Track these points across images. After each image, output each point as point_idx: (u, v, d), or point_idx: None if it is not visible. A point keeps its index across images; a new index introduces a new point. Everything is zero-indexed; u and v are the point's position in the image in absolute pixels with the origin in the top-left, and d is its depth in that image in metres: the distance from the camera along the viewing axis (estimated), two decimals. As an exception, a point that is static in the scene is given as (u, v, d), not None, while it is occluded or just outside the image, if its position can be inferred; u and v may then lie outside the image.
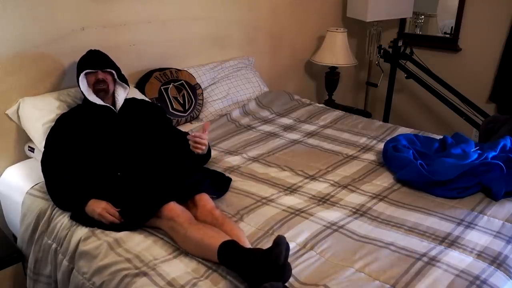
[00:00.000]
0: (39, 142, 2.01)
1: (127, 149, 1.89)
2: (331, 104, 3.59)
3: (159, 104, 2.34)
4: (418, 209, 1.78)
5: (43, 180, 1.83)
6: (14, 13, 1.98)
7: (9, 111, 2.07)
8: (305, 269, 1.43)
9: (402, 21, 3.85)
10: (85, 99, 1.94)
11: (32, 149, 2.12)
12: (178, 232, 1.54)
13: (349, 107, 3.70)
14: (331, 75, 3.61)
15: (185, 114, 2.54)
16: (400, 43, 3.35)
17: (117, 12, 2.36)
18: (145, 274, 1.42)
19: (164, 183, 1.77)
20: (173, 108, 2.48)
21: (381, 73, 3.67)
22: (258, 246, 1.53)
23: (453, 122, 3.62)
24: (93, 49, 2.01)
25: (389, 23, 3.85)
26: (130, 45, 2.46)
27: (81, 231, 1.66)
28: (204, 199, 1.71)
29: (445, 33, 3.67)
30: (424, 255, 1.49)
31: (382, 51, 3.44)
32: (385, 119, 3.57)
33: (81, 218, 1.70)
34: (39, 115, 2.03)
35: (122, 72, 2.03)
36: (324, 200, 1.85)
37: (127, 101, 2.03)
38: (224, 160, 2.19)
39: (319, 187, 1.95)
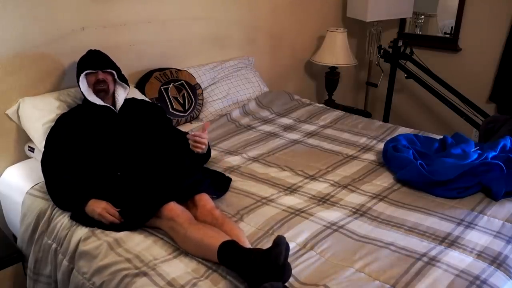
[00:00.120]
0: (39, 142, 2.01)
1: (127, 149, 1.89)
2: (331, 104, 3.59)
3: (159, 104, 2.34)
4: (418, 209, 1.78)
5: (43, 180, 1.83)
6: (14, 13, 1.98)
7: (9, 111, 2.07)
8: (305, 269, 1.43)
9: (402, 21, 3.85)
10: (85, 99, 1.94)
11: (32, 149, 2.12)
12: (178, 232, 1.54)
13: (349, 107, 3.70)
14: (331, 75, 3.61)
15: (185, 114, 2.54)
16: (400, 43, 3.35)
17: (117, 12, 2.36)
18: (145, 274, 1.42)
19: (164, 183, 1.77)
20: (173, 108, 2.48)
21: (381, 73, 3.67)
22: (258, 246, 1.53)
23: (453, 122, 3.62)
24: (93, 49, 2.01)
25: (389, 23, 3.85)
26: (130, 45, 2.46)
27: (81, 231, 1.66)
28: (204, 199, 1.71)
29: (445, 33, 3.67)
30: (424, 255, 1.49)
31: (382, 51, 3.44)
32: (385, 119, 3.57)
33: (81, 218, 1.70)
34: (39, 115, 2.03)
35: (122, 72, 2.03)
36: (324, 200, 1.85)
37: (127, 101, 2.03)
38: (224, 160, 2.19)
39: (319, 187, 1.95)
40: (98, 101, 1.93)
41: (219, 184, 1.90)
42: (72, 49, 2.18)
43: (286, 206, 1.79)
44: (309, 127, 2.62)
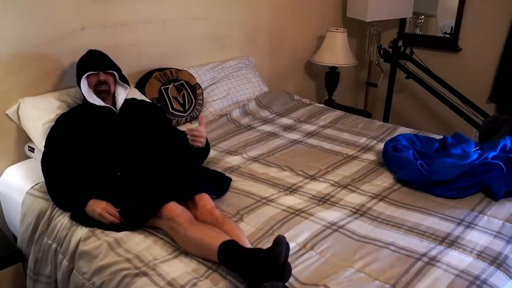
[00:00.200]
0: (39, 142, 2.01)
1: (127, 149, 1.89)
2: (331, 104, 3.59)
3: (158, 104, 2.34)
4: (418, 209, 1.78)
5: (43, 180, 1.83)
6: (14, 13, 1.98)
7: (9, 111, 2.07)
8: (305, 269, 1.43)
9: (402, 21, 3.85)
10: (85, 99, 1.93)
11: (32, 149, 2.12)
12: (178, 232, 1.54)
13: (349, 107, 3.70)
14: (331, 75, 3.61)
15: (185, 114, 2.54)
16: (400, 43, 3.35)
17: (117, 12, 2.36)
18: (145, 274, 1.42)
19: (164, 183, 1.77)
20: (173, 108, 2.48)
21: (381, 73, 3.67)
22: (258, 246, 1.53)
23: (453, 122, 3.62)
24: (93, 49, 2.01)
25: (389, 23, 3.85)
26: (130, 45, 2.46)
27: (81, 231, 1.66)
28: (204, 199, 1.71)
29: (445, 33, 3.67)
30: (424, 255, 1.49)
31: (382, 51, 3.44)
32: (385, 119, 3.57)
33: (81, 218, 1.70)
34: (39, 115, 2.03)
35: (123, 73, 2.03)
36: (324, 200, 1.85)
37: (127, 101, 2.03)
38: (224, 160, 2.19)
39: (319, 187, 1.95)
40: (99, 102, 1.93)
41: (219, 184, 1.90)
42: (72, 49, 2.18)
43: (286, 206, 1.79)
44: (309, 127, 2.62)
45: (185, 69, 2.68)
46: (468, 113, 3.13)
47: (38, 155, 2.02)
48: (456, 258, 1.48)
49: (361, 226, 1.67)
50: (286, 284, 1.34)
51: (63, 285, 1.66)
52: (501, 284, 1.37)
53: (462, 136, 2.24)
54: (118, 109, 1.98)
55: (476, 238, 1.59)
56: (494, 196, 1.83)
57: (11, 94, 2.06)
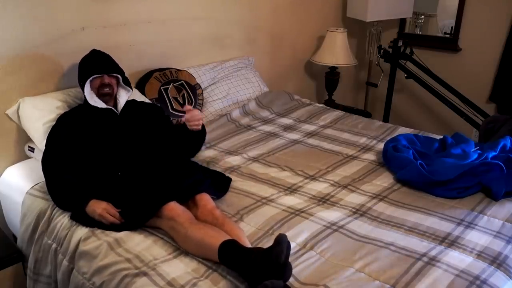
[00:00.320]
0: (39, 142, 2.01)
1: (128, 149, 1.89)
2: (331, 104, 3.59)
3: (158, 105, 2.34)
4: (418, 209, 1.78)
5: (43, 180, 1.83)
6: (14, 13, 1.98)
7: (9, 111, 2.07)
8: (305, 269, 1.43)
9: (402, 21, 3.85)
10: (86, 99, 1.93)
11: (32, 149, 2.12)
12: (179, 232, 1.54)
13: (349, 107, 3.70)
14: (331, 75, 3.61)
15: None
16: (400, 43, 3.35)
17: (117, 12, 2.36)
18: (145, 274, 1.42)
19: (165, 183, 1.77)
20: (173, 109, 2.48)
21: (381, 73, 3.67)
22: (258, 246, 1.53)
23: (453, 122, 3.62)
24: (96, 49, 2.00)
25: (389, 23, 3.85)
26: (130, 45, 2.46)
27: (81, 231, 1.66)
28: (205, 199, 1.72)
29: (445, 33, 3.67)
30: (424, 255, 1.49)
31: (382, 51, 3.44)
32: (385, 119, 3.57)
33: (81, 218, 1.70)
34: (39, 115, 2.03)
35: (126, 75, 2.03)
36: (324, 200, 1.85)
37: (127, 102, 2.03)
38: (224, 160, 2.19)
39: (319, 187, 1.95)
40: (100, 104, 1.92)
41: (219, 185, 1.90)
42: (72, 49, 2.18)
43: (286, 206, 1.79)
44: (309, 127, 2.62)
45: (185, 69, 2.68)
46: (468, 113, 3.13)
47: (38, 155, 2.02)
48: (456, 258, 1.48)
49: (361, 226, 1.67)
50: (287, 283, 1.34)
51: (63, 285, 1.66)
52: (501, 284, 1.37)
53: (462, 136, 2.24)
54: (120, 110, 1.98)
55: (476, 238, 1.59)
56: (494, 196, 1.83)
57: (11, 94, 2.06)
